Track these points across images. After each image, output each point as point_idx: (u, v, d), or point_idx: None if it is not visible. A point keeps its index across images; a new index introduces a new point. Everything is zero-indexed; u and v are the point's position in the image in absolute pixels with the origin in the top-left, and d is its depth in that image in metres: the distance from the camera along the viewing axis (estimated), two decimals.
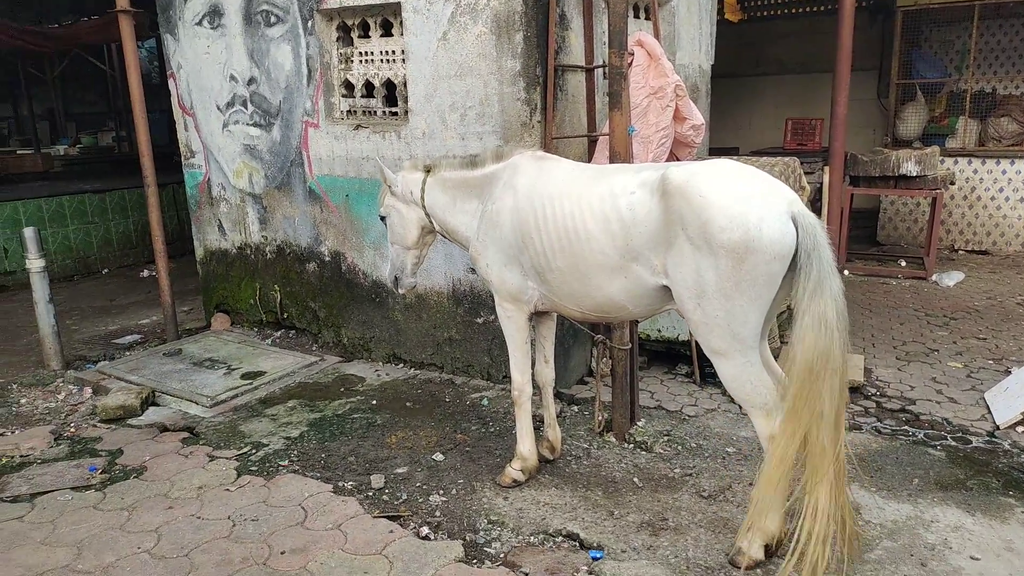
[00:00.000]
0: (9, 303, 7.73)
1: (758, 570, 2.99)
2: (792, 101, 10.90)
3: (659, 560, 3.09)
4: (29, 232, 5.48)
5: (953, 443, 4.06)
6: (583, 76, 4.83)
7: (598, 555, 3.14)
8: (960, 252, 8.82)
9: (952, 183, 8.10)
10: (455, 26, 4.66)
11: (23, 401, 5.09)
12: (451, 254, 5.00)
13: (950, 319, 6.24)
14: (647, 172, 3.02)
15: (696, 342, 4.70)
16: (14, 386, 5.35)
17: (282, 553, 3.24)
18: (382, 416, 4.62)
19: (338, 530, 3.39)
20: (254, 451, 4.22)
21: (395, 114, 5.29)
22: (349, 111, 5.50)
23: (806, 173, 6.07)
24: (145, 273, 8.88)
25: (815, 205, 7.19)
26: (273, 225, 6.03)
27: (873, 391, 4.78)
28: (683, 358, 5.14)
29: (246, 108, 5.88)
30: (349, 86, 5.47)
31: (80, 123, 17.41)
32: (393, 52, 5.15)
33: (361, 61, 5.34)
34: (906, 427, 4.28)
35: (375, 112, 5.39)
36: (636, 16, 5.47)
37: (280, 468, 4.01)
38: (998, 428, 4.20)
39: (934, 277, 7.48)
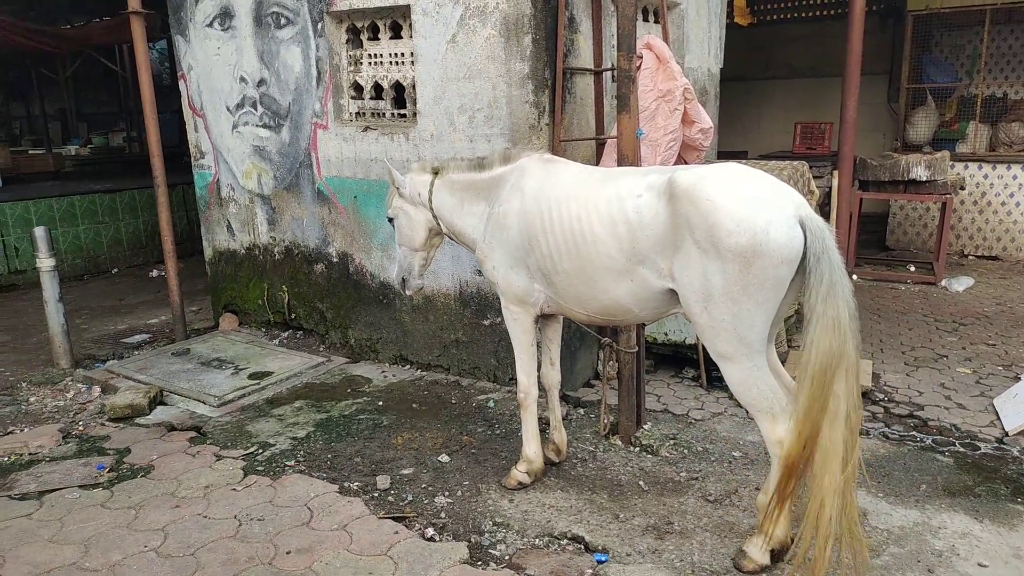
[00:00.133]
0: (19, 302, 7.79)
1: (763, 575, 2.97)
2: (801, 105, 10.87)
3: (664, 564, 3.09)
4: (40, 231, 5.52)
5: (961, 449, 4.03)
6: (591, 79, 4.83)
7: (603, 558, 3.13)
8: (970, 257, 8.77)
9: (962, 188, 8.05)
10: (464, 28, 4.67)
11: (32, 399, 5.13)
12: (458, 256, 5.01)
13: (959, 325, 6.20)
14: (654, 175, 3.02)
15: (703, 346, 4.69)
16: (23, 384, 5.39)
17: (288, 553, 3.25)
18: (388, 417, 4.63)
19: (344, 530, 3.40)
20: (261, 451, 4.23)
21: (404, 116, 5.30)
22: (358, 113, 5.52)
23: (815, 177, 6.05)
24: (154, 273, 8.93)
25: (824, 209, 7.17)
26: (281, 226, 6.06)
27: (881, 396, 4.76)
28: (690, 361, 5.13)
29: (256, 109, 5.91)
30: (358, 88, 5.49)
31: (91, 123, 17.55)
32: (402, 54, 5.17)
33: (370, 63, 5.36)
34: (914, 433, 4.26)
35: (384, 114, 5.41)
36: (645, 19, 5.47)
37: (286, 468, 4.02)
38: (1007, 435, 4.18)
39: (943, 282, 7.44)
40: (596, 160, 4.79)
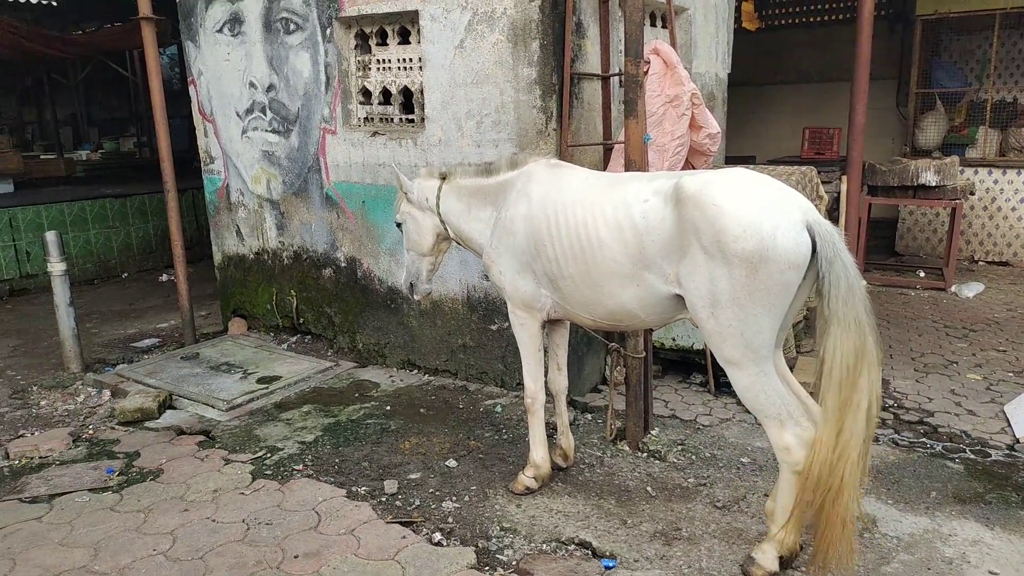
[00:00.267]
0: (30, 306, 7.84)
1: None
2: (810, 110, 10.84)
3: (672, 570, 3.08)
4: (50, 236, 5.56)
5: (972, 456, 4.01)
6: (599, 84, 4.84)
7: (611, 564, 3.13)
8: (980, 263, 8.72)
9: (972, 193, 8.01)
10: (472, 34, 4.69)
11: (43, 403, 5.16)
12: (466, 261, 5.02)
13: (969, 331, 6.17)
14: (661, 180, 3.02)
15: (711, 351, 4.68)
16: (34, 388, 5.42)
17: (295, 557, 3.26)
18: (396, 422, 4.64)
19: (351, 535, 3.41)
20: (269, 455, 4.24)
21: (412, 121, 5.32)
22: (366, 118, 5.54)
23: (823, 182, 6.03)
24: (164, 277, 8.98)
25: (832, 214, 7.14)
26: (290, 231, 6.08)
27: (891, 403, 4.73)
28: (698, 367, 5.12)
29: (265, 115, 5.94)
30: (366, 93, 5.52)
31: (102, 128, 17.69)
32: (410, 60, 5.19)
33: (379, 68, 5.39)
34: (924, 439, 4.23)
35: (392, 119, 5.43)
36: (652, 24, 5.48)
37: (294, 472, 4.03)
38: (1018, 441, 4.15)
39: (953, 288, 7.40)
40: (604, 165, 4.80)
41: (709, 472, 3.88)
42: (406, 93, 5.33)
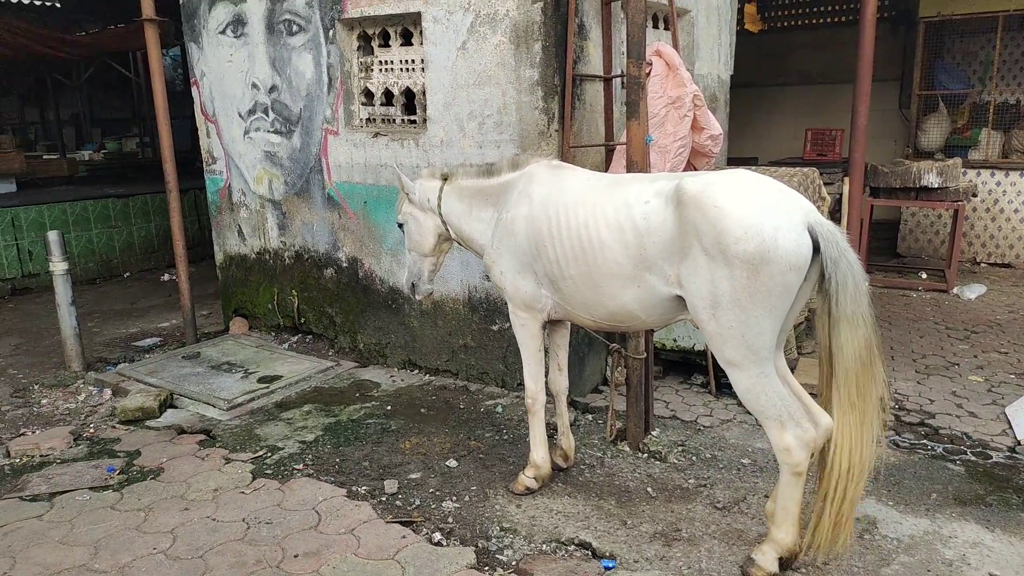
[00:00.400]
0: (33, 305, 7.86)
1: None
2: (812, 111, 10.84)
3: (672, 571, 3.08)
4: (53, 235, 5.57)
5: (973, 458, 4.00)
6: (601, 86, 4.84)
7: (610, 564, 3.13)
8: (982, 265, 8.71)
9: (974, 195, 8.00)
10: (474, 36, 4.69)
11: (44, 401, 5.17)
12: (467, 261, 5.02)
13: (971, 332, 6.16)
14: (662, 182, 3.02)
15: (712, 352, 4.68)
16: (36, 387, 5.43)
17: (295, 556, 3.26)
18: (396, 422, 4.64)
19: (351, 534, 3.41)
20: (269, 454, 4.25)
21: (414, 122, 5.33)
22: (368, 119, 5.55)
23: (826, 184, 6.03)
24: (166, 277, 8.99)
25: (835, 216, 7.13)
26: (292, 231, 6.09)
27: (892, 404, 4.72)
28: (699, 368, 5.11)
29: (267, 115, 5.95)
30: (369, 94, 5.52)
31: (105, 129, 17.71)
32: (413, 61, 5.20)
33: (381, 70, 5.39)
34: (925, 441, 4.23)
35: (394, 120, 5.43)
36: (655, 26, 5.48)
37: (295, 472, 4.04)
38: (1019, 443, 4.14)
39: (955, 290, 7.39)
40: (606, 166, 4.80)
41: (709, 473, 3.88)
42: (408, 94, 5.34)
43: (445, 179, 3.76)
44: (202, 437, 4.54)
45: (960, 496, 3.59)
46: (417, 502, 3.68)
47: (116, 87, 17.07)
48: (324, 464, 4.11)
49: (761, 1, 10.28)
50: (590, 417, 4.61)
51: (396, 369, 5.60)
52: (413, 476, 3.95)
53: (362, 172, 5.49)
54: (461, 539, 3.36)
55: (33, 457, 4.30)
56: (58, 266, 5.56)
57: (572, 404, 4.61)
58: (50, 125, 16.61)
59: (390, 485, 3.83)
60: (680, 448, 4.14)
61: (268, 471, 4.05)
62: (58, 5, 12.64)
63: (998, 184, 8.60)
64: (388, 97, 5.43)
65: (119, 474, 4.07)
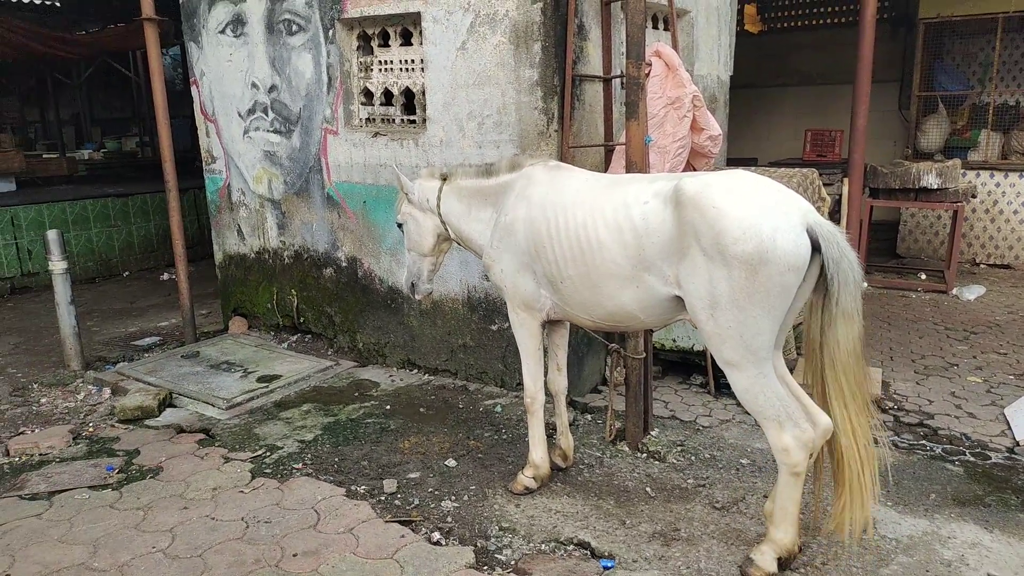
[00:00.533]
0: (32, 304, 7.86)
1: None
2: (812, 112, 10.85)
3: (670, 571, 3.08)
4: (52, 235, 5.57)
5: (972, 459, 4.00)
6: (600, 86, 4.84)
7: (609, 564, 3.13)
8: (981, 266, 8.72)
9: (974, 196, 8.01)
10: (474, 36, 4.70)
11: (43, 400, 5.17)
12: (467, 261, 5.03)
13: (970, 333, 6.16)
14: (661, 182, 3.02)
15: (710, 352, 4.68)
16: (35, 385, 5.43)
17: (294, 555, 3.26)
18: (395, 421, 4.64)
19: (350, 534, 3.41)
20: (268, 454, 4.25)
21: (413, 122, 5.33)
22: (368, 119, 5.55)
23: (825, 185, 6.03)
24: (165, 276, 8.99)
25: (834, 217, 7.14)
26: (291, 230, 6.09)
27: (891, 405, 4.73)
28: (698, 368, 5.12)
29: (267, 115, 5.95)
30: (368, 94, 5.53)
31: (105, 128, 17.72)
32: (412, 61, 5.20)
33: (380, 70, 5.40)
34: (924, 442, 4.23)
35: (393, 120, 5.44)
36: (655, 27, 5.48)
37: (294, 471, 4.04)
38: (1018, 444, 4.14)
39: (954, 291, 7.39)
40: (605, 167, 4.80)
41: (708, 473, 3.88)
42: (408, 94, 5.34)
43: (444, 179, 3.76)
44: (201, 436, 4.54)
45: (959, 497, 3.59)
46: (416, 501, 3.68)
47: (116, 86, 17.08)
48: (323, 463, 4.11)
49: (761, 2, 10.30)
50: (589, 417, 4.61)
51: (395, 368, 5.60)
52: (412, 475, 3.95)
53: (361, 172, 5.50)
54: (460, 538, 3.37)
55: (32, 456, 4.30)
56: (57, 265, 5.56)
57: (571, 404, 4.61)
58: (50, 124, 16.62)
59: (389, 484, 3.83)
60: (679, 448, 4.14)
61: (267, 470, 4.05)
62: (58, 4, 12.65)
63: (997, 185, 8.60)
64: (388, 97, 5.44)
65: (118, 473, 4.07)
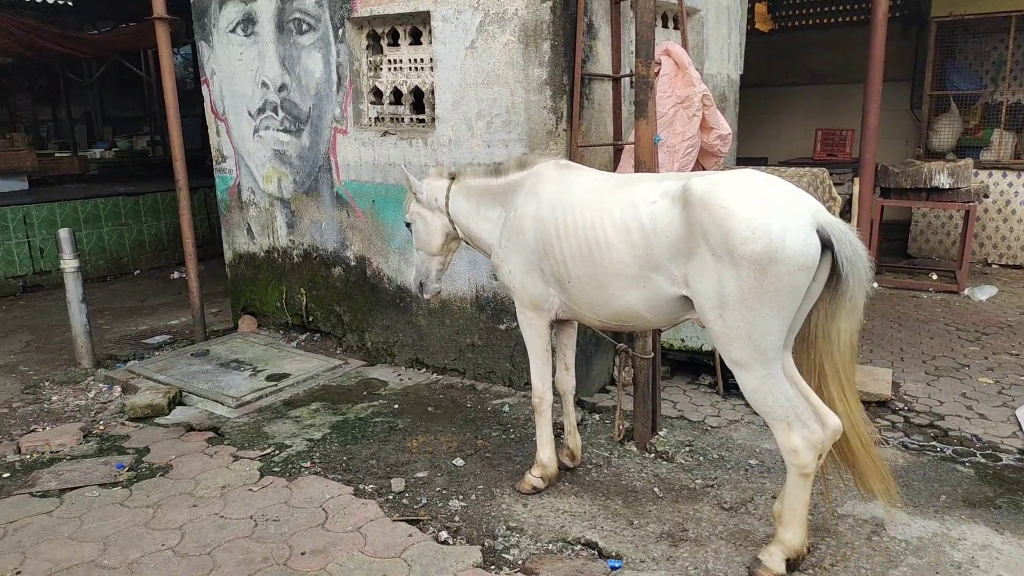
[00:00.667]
0: (44, 302, 7.91)
1: None
2: (822, 111, 10.79)
3: (678, 571, 3.07)
4: (64, 233, 5.61)
5: (982, 460, 3.98)
6: (609, 85, 4.83)
7: (617, 564, 3.12)
8: (993, 266, 8.65)
9: (986, 196, 7.94)
10: (483, 35, 4.70)
11: (55, 398, 5.21)
12: (475, 260, 5.03)
13: (982, 334, 6.12)
14: (669, 182, 3.01)
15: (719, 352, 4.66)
16: (46, 383, 5.47)
17: (302, 554, 3.27)
18: (404, 420, 4.65)
19: (358, 532, 3.42)
20: (277, 452, 4.27)
21: (422, 121, 5.34)
22: (377, 118, 5.56)
23: (836, 184, 6.00)
24: (175, 275, 9.04)
25: (845, 216, 7.09)
26: (300, 229, 6.11)
27: (901, 406, 4.70)
28: (707, 368, 5.10)
29: (277, 114, 5.97)
30: (377, 93, 5.54)
31: (116, 127, 17.82)
32: (421, 60, 5.21)
33: (390, 69, 5.40)
34: (934, 443, 4.20)
35: (403, 119, 5.44)
36: (664, 25, 5.47)
37: (302, 469, 4.05)
38: None
39: (966, 291, 7.34)
40: (614, 166, 4.79)
41: (717, 473, 3.87)
42: (417, 93, 5.34)
43: (453, 178, 3.76)
44: (210, 434, 4.56)
45: (969, 498, 3.57)
46: (424, 500, 3.69)
47: (127, 85, 17.17)
48: (331, 462, 4.13)
49: (772, 0, 10.24)
50: (597, 417, 4.61)
51: (403, 368, 5.61)
52: (420, 475, 3.95)
53: (371, 171, 5.51)
54: (467, 538, 3.37)
55: (43, 453, 4.33)
56: (69, 263, 5.60)
57: (579, 404, 4.61)
58: (62, 123, 16.73)
59: (397, 483, 3.84)
60: (687, 448, 4.13)
61: (276, 469, 4.07)
62: (70, 3, 12.73)
63: (1010, 185, 8.53)
64: (397, 96, 5.45)
65: (128, 471, 4.09)
